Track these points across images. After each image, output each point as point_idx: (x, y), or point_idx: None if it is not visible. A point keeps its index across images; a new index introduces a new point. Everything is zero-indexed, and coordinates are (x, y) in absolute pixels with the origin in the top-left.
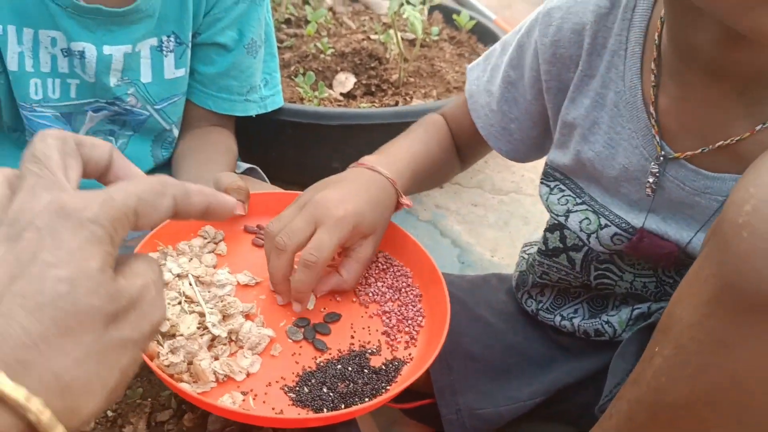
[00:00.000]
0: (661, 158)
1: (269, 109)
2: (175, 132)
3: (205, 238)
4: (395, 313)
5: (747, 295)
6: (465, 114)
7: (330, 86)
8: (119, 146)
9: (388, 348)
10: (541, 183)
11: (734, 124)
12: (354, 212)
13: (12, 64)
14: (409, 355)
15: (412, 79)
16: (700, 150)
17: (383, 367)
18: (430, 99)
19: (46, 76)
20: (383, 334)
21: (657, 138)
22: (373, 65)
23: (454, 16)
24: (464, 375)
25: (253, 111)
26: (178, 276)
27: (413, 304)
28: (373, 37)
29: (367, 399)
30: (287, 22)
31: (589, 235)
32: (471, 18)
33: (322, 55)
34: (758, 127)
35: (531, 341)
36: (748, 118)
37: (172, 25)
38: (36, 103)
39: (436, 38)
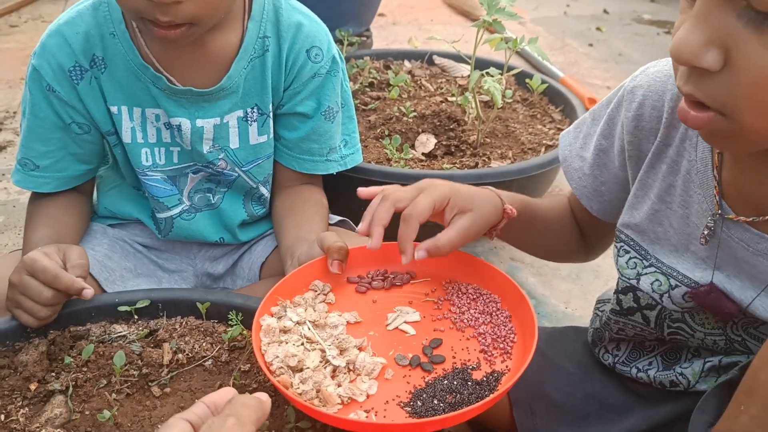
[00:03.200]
0: (718, 215)
1: (349, 166)
2: (263, 190)
3: (316, 291)
4: (489, 334)
5: None
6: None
7: (413, 146)
8: (216, 201)
9: (486, 363)
10: (614, 244)
11: None
12: (451, 187)
13: (126, 137)
14: (506, 367)
15: (488, 140)
16: (756, 218)
17: (484, 378)
18: (506, 160)
19: (153, 146)
20: (481, 352)
21: (717, 197)
22: (451, 126)
23: (527, 80)
24: (546, 420)
25: (334, 169)
26: (297, 323)
27: (504, 324)
28: (450, 99)
29: (473, 404)
30: (371, 85)
31: (661, 295)
32: (543, 81)
33: (404, 118)
34: None
35: (609, 390)
36: None
37: (255, 99)
38: (147, 168)
39: (509, 100)
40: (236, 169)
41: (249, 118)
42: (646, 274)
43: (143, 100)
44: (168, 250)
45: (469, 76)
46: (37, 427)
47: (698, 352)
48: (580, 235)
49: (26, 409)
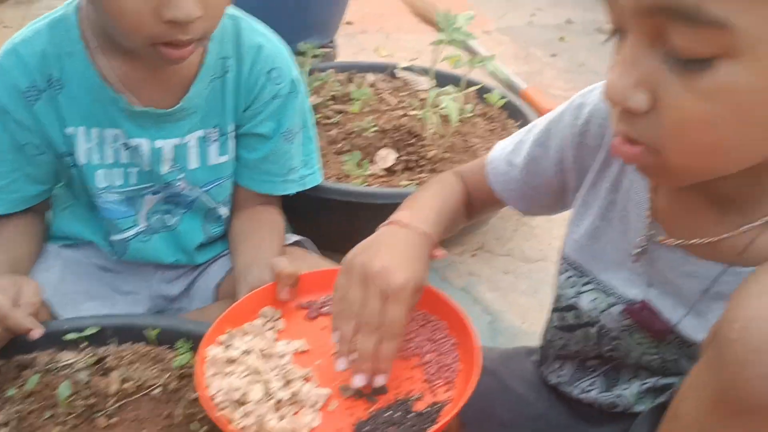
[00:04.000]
0: (649, 236)
1: (308, 186)
2: (222, 210)
3: (265, 317)
4: (434, 363)
5: (740, 400)
6: (483, 178)
7: (373, 161)
8: (174, 223)
9: (429, 393)
10: (558, 263)
11: (723, 222)
12: (412, 277)
13: (82, 159)
14: (449, 397)
15: (447, 155)
16: (684, 241)
17: (426, 410)
18: None
19: (110, 167)
20: (425, 381)
21: (650, 219)
22: (412, 141)
23: (486, 96)
24: None
25: (292, 190)
26: (245, 352)
27: (450, 352)
28: (411, 113)
29: None
30: (333, 98)
31: (600, 313)
32: (502, 96)
33: (365, 133)
34: (742, 229)
35: (555, 410)
36: (737, 218)
37: (215, 119)
38: (103, 190)
39: (470, 115)
40: (195, 189)
41: (209, 139)
42: (585, 291)
43: (101, 120)
44: (123, 271)
45: (429, 89)
46: None
47: (637, 372)
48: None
49: None
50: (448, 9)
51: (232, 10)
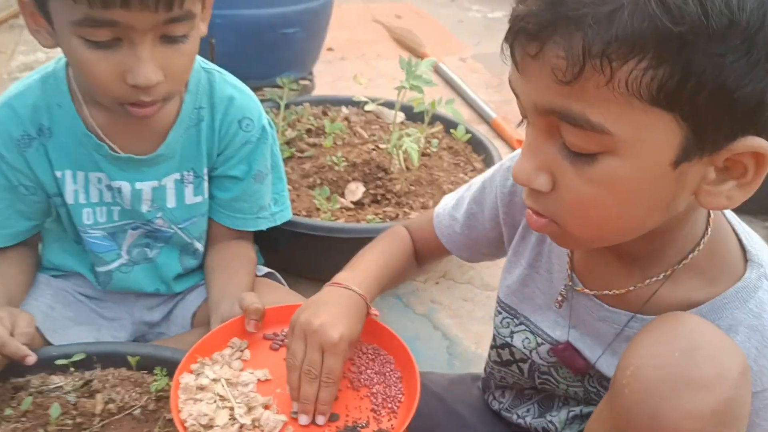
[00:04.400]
0: (569, 285)
1: (278, 223)
2: (197, 245)
3: (233, 347)
4: (381, 393)
5: None
6: (431, 230)
7: (342, 194)
8: (153, 256)
9: (374, 421)
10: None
11: (630, 276)
12: (347, 334)
13: (70, 199)
14: (391, 425)
15: (413, 188)
16: (597, 292)
17: None
18: (426, 209)
19: (95, 206)
20: (371, 411)
21: (569, 271)
22: (380, 175)
23: (452, 130)
24: None
25: (263, 226)
26: (214, 380)
27: (395, 384)
28: (381, 146)
29: None
30: (308, 132)
31: (530, 351)
32: (467, 131)
33: (336, 167)
34: (646, 282)
35: None
36: (640, 273)
37: (191, 163)
38: (89, 226)
39: (435, 149)
40: (173, 226)
41: (185, 181)
42: (517, 332)
43: (86, 165)
44: (107, 299)
45: (401, 123)
46: None
47: (567, 401)
48: (416, 260)
49: None
50: (422, 37)
51: (206, 64)
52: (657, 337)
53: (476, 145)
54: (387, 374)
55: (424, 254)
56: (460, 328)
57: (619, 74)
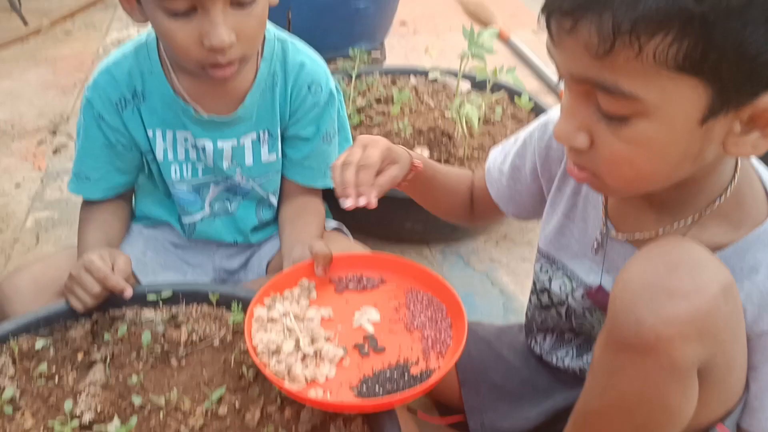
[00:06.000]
0: (604, 231)
1: None
2: (272, 199)
3: (302, 287)
4: (431, 337)
5: (617, 339)
6: (483, 182)
7: None
8: (232, 209)
9: (423, 361)
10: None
11: (660, 221)
12: (385, 142)
13: (160, 156)
14: (438, 366)
15: (476, 153)
16: (631, 235)
17: (419, 374)
18: None
19: (182, 163)
20: (422, 351)
21: (604, 218)
22: (444, 141)
23: (515, 98)
24: (489, 399)
25: (330, 184)
26: (283, 314)
27: (445, 330)
28: (447, 114)
29: (404, 393)
30: (378, 101)
31: (567, 295)
32: (530, 99)
33: (403, 133)
34: (674, 225)
35: (539, 375)
36: (669, 218)
37: (266, 124)
38: (176, 181)
39: (499, 117)
40: (250, 181)
41: (261, 140)
42: (555, 278)
43: (175, 125)
44: (192, 248)
45: (467, 92)
46: (82, 387)
47: None
48: (471, 208)
49: (74, 373)
50: (496, 9)
51: (280, 33)
52: (647, 254)
53: (539, 112)
54: (439, 320)
55: (478, 205)
56: (517, 285)
57: (647, 48)
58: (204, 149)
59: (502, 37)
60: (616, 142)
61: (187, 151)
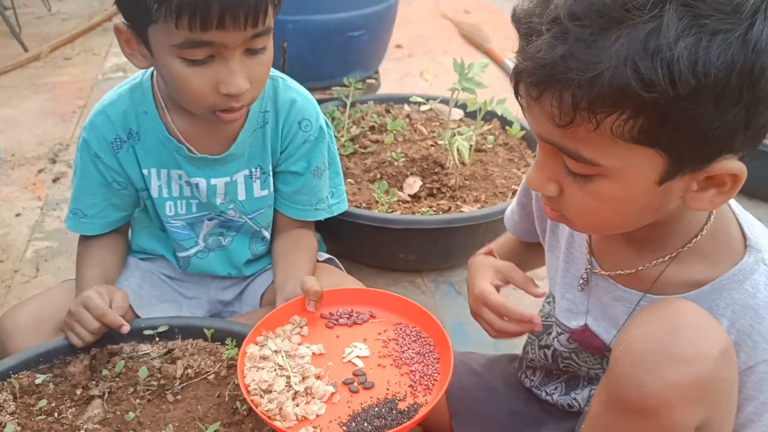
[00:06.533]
0: (589, 268)
1: (335, 214)
2: (265, 233)
3: (294, 324)
4: (419, 372)
5: (620, 402)
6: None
7: (401, 188)
8: (226, 243)
9: (411, 396)
10: None
11: (640, 258)
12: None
13: (155, 193)
14: (425, 400)
15: (468, 182)
16: (613, 272)
17: (407, 408)
18: (479, 203)
19: (176, 199)
20: (409, 386)
21: (588, 255)
22: (436, 170)
23: (507, 127)
24: (480, 430)
25: (321, 216)
26: (275, 352)
27: (432, 364)
28: (440, 142)
29: (393, 429)
30: (372, 129)
31: (554, 339)
32: (521, 128)
33: (396, 162)
34: (653, 262)
35: (529, 408)
36: (648, 255)
37: (258, 161)
38: (171, 217)
39: (490, 145)
40: (243, 216)
41: (253, 176)
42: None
43: (169, 164)
44: (187, 281)
45: (460, 119)
46: (81, 423)
47: (590, 381)
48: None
49: (73, 409)
50: (491, 32)
51: (271, 71)
52: (648, 317)
53: (531, 141)
54: (426, 355)
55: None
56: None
57: (604, 124)
58: (198, 186)
59: (497, 60)
60: (581, 195)
61: (181, 188)
